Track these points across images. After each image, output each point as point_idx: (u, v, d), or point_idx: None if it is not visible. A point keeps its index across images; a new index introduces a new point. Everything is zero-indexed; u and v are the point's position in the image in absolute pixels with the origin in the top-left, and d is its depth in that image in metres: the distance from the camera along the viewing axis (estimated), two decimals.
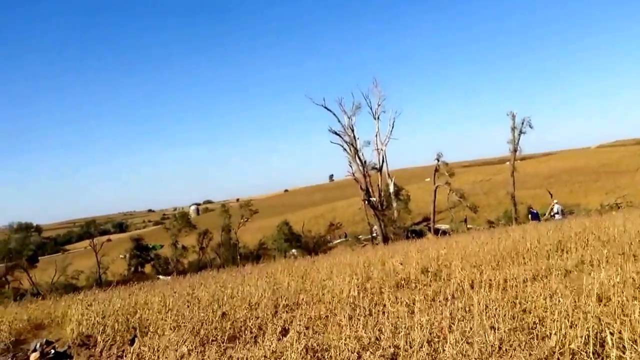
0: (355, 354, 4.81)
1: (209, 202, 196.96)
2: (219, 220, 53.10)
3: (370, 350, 4.97)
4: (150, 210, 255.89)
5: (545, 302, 6.14)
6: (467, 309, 6.72)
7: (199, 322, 6.70)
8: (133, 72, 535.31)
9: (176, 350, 5.41)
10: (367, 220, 47.29)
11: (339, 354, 4.83)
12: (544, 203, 43.36)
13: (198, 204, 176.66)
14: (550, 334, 5.15)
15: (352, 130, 42.98)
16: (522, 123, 44.70)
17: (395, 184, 48.06)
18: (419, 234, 44.65)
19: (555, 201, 34.01)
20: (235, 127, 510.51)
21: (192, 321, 6.66)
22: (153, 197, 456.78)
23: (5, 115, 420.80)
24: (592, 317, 5.10)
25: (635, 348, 4.52)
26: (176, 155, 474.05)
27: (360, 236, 50.12)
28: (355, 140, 43.10)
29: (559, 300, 5.92)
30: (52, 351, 6.08)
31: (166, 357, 5.27)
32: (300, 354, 5.07)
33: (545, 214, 32.57)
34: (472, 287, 7.71)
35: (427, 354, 4.84)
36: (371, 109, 44.84)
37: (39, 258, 56.44)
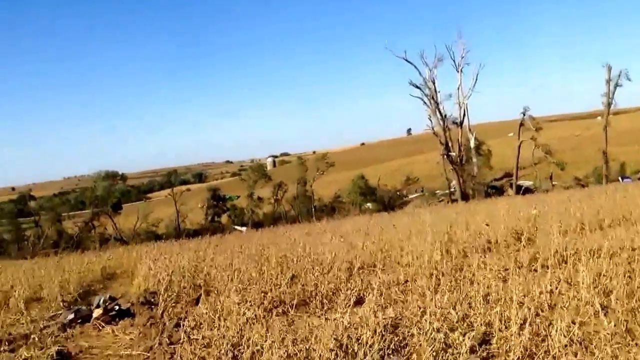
0: (441, 334, 4.10)
1: (285, 154, 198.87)
2: (294, 173, 53.55)
3: (460, 329, 4.24)
4: (228, 162, 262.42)
5: None
6: (570, 280, 5.80)
7: (267, 285, 6.25)
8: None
9: (241, 316, 4.95)
10: (445, 176, 46.12)
11: (423, 333, 4.14)
12: (638, 161, 40.08)
13: (275, 156, 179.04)
14: None
15: (433, 83, 42.45)
16: (619, 75, 42.12)
17: (476, 139, 46.49)
18: (500, 191, 43.21)
19: None
20: (311, 80, 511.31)
21: (259, 284, 6.21)
22: (231, 149, 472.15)
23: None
24: None
25: None
26: (253, 110, 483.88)
27: (438, 191, 49.49)
28: (436, 94, 42.56)
29: None
30: (116, 308, 5.87)
31: (227, 325, 4.82)
32: (378, 333, 4.41)
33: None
34: (574, 254, 6.73)
35: (528, 338, 4.04)
36: (454, 61, 43.74)
37: (123, 205, 59.80)
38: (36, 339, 5.03)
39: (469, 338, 3.96)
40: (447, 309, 4.76)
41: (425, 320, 4.34)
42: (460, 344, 3.95)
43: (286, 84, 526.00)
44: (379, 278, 6.36)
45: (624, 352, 3.82)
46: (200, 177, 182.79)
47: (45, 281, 8.11)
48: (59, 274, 8.62)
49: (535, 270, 6.53)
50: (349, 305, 4.98)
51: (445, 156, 42.42)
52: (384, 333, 4.20)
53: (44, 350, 4.73)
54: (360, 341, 4.10)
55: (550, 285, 5.42)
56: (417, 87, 41.88)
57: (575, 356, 3.84)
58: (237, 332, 4.43)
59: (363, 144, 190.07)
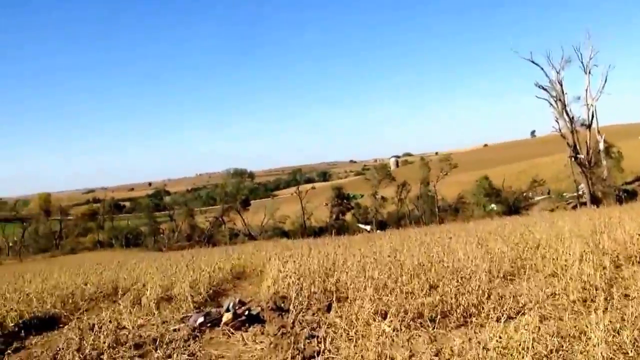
0: None
1: (408, 154, 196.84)
2: (417, 173, 53.58)
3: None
4: (351, 161, 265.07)
5: None
6: None
7: (403, 295, 5.75)
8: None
9: (379, 330, 4.50)
10: (574, 178, 44.14)
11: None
12: None
13: (397, 157, 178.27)
14: None
15: (560, 85, 41.67)
16: None
17: (605, 141, 44.18)
18: (633, 195, 40.18)
19: None
20: (435, 80, 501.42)
21: (394, 293, 5.72)
22: (355, 149, 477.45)
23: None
24: None
25: None
26: (378, 111, 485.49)
27: (565, 194, 47.69)
28: (563, 95, 41.67)
29: None
30: (246, 312, 5.72)
31: (365, 335, 4.41)
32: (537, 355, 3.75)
33: None
34: None
35: None
36: (582, 62, 42.13)
37: (251, 202, 62.81)
38: (165, 344, 4.98)
39: None
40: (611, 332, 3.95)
41: (591, 345, 3.59)
42: None
43: (409, 85, 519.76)
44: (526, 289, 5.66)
45: None
46: (324, 176, 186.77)
47: (177, 280, 8.25)
48: (189, 273, 8.80)
49: None
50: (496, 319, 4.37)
51: (573, 158, 41.44)
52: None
53: (173, 358, 4.66)
54: None
55: None
56: (543, 88, 41.34)
57: None
58: (378, 353, 4.00)
59: (486, 145, 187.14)
